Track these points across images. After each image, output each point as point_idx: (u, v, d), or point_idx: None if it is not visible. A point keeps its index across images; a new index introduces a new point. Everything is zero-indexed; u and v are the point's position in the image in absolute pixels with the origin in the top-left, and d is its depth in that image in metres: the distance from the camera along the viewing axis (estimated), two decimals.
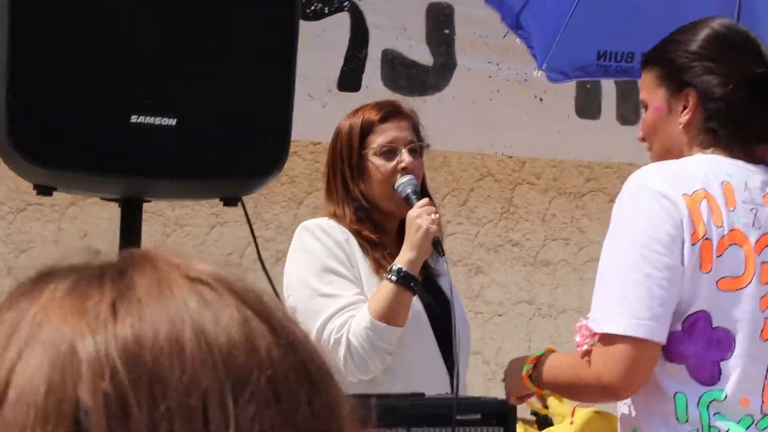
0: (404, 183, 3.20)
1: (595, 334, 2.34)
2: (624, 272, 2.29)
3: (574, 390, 2.47)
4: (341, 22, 5.09)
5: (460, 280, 5.59)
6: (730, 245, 2.32)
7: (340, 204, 3.27)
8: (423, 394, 2.93)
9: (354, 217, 3.23)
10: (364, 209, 3.23)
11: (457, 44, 5.27)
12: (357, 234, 3.21)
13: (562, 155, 5.75)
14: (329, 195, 3.32)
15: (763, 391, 2.35)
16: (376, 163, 3.23)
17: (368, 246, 3.21)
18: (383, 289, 3.07)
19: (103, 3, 2.44)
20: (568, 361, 2.43)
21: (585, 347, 2.37)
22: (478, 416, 2.76)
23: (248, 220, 2.85)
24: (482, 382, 5.38)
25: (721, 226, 2.32)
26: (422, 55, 5.26)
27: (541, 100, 5.46)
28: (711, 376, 2.33)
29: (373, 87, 5.14)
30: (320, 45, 4.99)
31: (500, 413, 2.78)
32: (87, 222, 5.00)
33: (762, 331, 2.34)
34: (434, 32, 5.23)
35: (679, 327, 2.32)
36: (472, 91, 5.28)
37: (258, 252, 2.96)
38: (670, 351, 2.33)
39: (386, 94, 5.10)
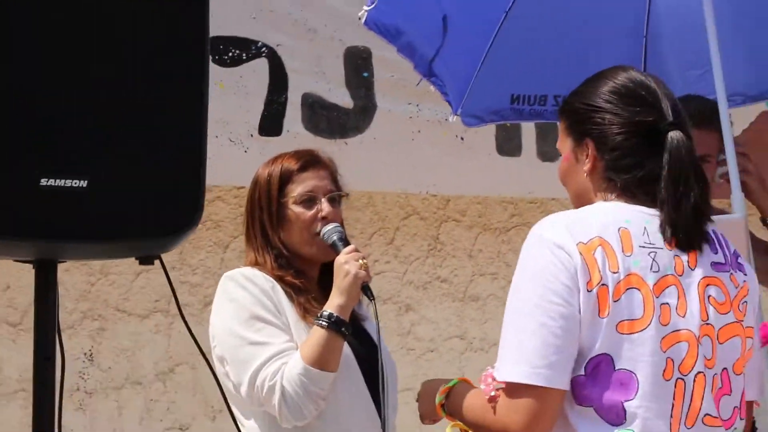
0: (330, 230, 3.23)
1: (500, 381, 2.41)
2: (521, 323, 2.36)
3: None
4: (260, 67, 5.13)
5: (390, 318, 5.62)
6: (627, 289, 2.36)
7: (260, 251, 3.29)
8: None
9: (275, 263, 3.25)
10: (284, 257, 3.26)
11: (376, 87, 5.33)
12: (280, 280, 3.23)
13: (486, 192, 5.82)
14: (249, 242, 3.33)
15: (670, 428, 2.38)
16: (296, 211, 3.25)
17: (293, 292, 3.23)
18: (315, 335, 3.09)
19: (9, 67, 2.44)
20: (480, 404, 2.48)
21: (493, 393, 2.43)
22: None
23: (166, 273, 2.85)
24: (413, 418, 5.40)
25: (616, 272, 2.36)
26: (342, 98, 5.31)
27: (462, 139, 5.53)
28: (617, 417, 2.36)
29: (295, 131, 5.18)
30: (239, 90, 5.02)
31: None
32: (9, 274, 4.97)
33: (665, 370, 2.38)
34: (353, 75, 5.28)
35: (582, 371, 2.36)
36: (393, 132, 5.34)
37: (177, 304, 2.97)
38: (577, 395, 2.37)
39: (307, 138, 5.14)
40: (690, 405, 2.39)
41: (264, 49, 5.12)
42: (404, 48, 3.74)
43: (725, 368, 2.45)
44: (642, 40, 3.96)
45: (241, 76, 5.07)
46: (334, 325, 3.08)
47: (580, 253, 2.35)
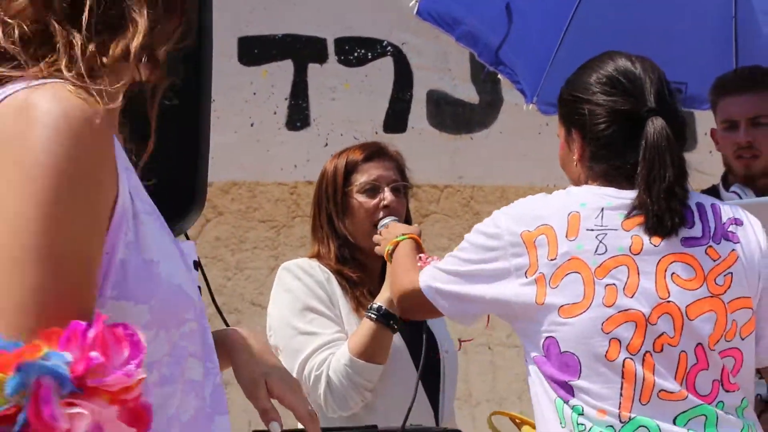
0: (386, 223, 3.27)
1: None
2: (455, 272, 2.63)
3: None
4: (385, 66, 5.19)
5: None
6: (567, 274, 2.43)
7: (325, 241, 3.33)
8: (375, 427, 2.97)
9: (338, 253, 3.30)
10: (348, 246, 3.30)
11: (503, 80, 5.29)
12: (338, 273, 3.27)
13: None
14: (314, 233, 3.39)
15: (619, 407, 2.42)
16: (360, 200, 3.29)
17: (348, 285, 3.26)
18: (363, 327, 3.12)
19: None
20: (410, 264, 2.83)
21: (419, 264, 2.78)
22: None
23: (205, 279, 2.87)
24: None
25: (554, 259, 2.44)
26: (468, 93, 5.30)
27: None
28: (566, 396, 2.46)
29: (420, 127, 5.21)
30: (365, 89, 5.10)
31: None
32: None
33: (608, 351, 2.41)
34: (479, 71, 5.27)
35: (539, 352, 2.48)
36: (520, 126, 5.29)
37: (213, 301, 3.02)
38: (541, 370, 2.49)
39: (432, 134, 5.17)
40: (643, 382, 2.41)
41: (389, 47, 5.18)
42: (464, 37, 3.70)
43: (699, 344, 2.45)
44: (731, 20, 3.79)
45: (366, 75, 5.15)
46: (383, 317, 3.10)
47: (523, 242, 2.45)
